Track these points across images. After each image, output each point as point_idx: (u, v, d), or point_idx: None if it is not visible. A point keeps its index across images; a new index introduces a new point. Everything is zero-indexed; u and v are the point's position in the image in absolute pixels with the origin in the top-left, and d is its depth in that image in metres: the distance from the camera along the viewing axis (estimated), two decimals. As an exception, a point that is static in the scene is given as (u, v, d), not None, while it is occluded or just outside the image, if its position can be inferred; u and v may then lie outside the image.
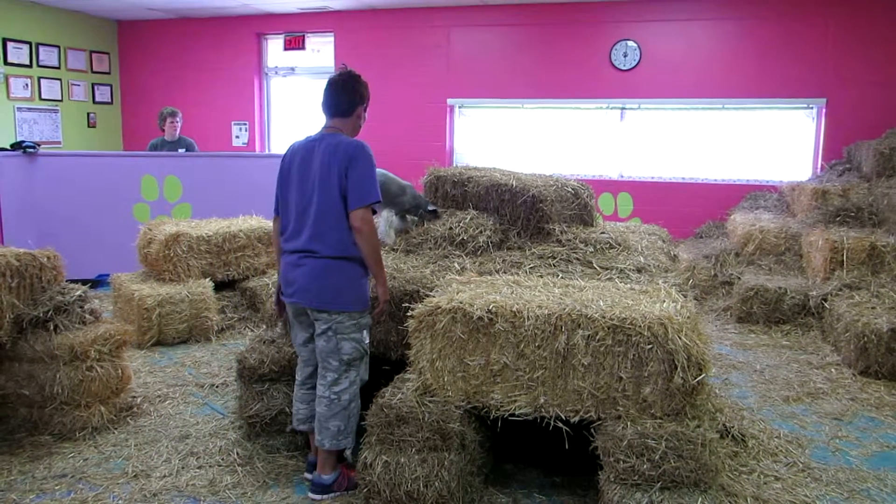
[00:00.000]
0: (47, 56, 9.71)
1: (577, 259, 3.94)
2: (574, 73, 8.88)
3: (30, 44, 9.46)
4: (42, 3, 9.50)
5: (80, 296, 4.11)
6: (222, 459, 3.62)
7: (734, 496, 3.08)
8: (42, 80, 9.66)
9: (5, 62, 9.14)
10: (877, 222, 6.44)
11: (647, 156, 8.94)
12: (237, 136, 10.46)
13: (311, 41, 10.19)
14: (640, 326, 2.83)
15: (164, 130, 7.75)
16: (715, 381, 4.68)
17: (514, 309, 2.97)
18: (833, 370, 5.02)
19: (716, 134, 8.68)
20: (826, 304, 5.73)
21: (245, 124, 10.42)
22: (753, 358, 5.33)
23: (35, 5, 9.50)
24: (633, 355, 2.87)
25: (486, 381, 3.06)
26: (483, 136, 9.60)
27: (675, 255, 4.93)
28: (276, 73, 10.49)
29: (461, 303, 3.04)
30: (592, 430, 2.99)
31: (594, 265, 3.87)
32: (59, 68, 9.90)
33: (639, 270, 3.86)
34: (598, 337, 2.88)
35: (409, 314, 3.17)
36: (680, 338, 2.80)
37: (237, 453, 3.66)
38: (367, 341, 3.34)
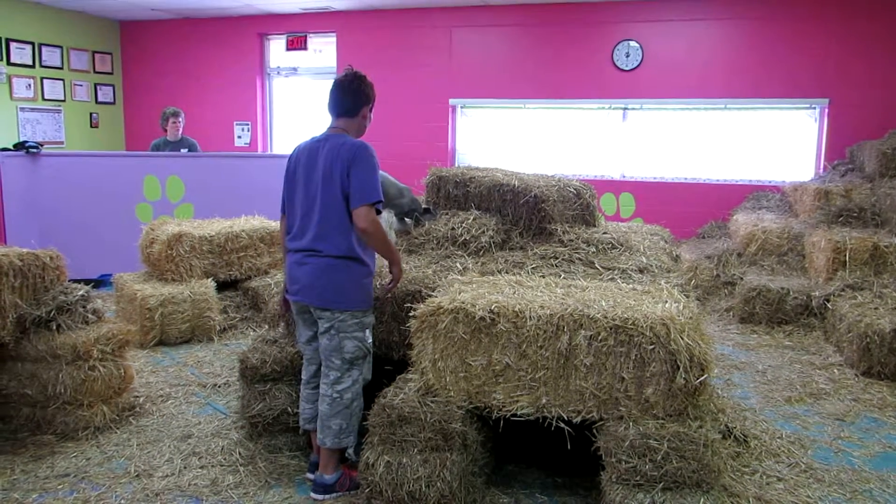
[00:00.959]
0: (50, 56, 9.73)
1: (580, 259, 3.94)
2: (576, 73, 8.88)
3: (32, 44, 9.48)
4: (45, 3, 9.52)
5: (82, 295, 4.11)
6: (224, 459, 3.62)
7: (736, 497, 3.08)
8: (45, 81, 9.68)
9: (8, 62, 9.16)
10: (879, 223, 6.43)
11: (650, 156, 8.94)
12: (239, 137, 10.47)
13: (314, 41, 10.20)
14: (642, 327, 2.83)
15: (166, 130, 7.76)
16: (717, 381, 4.68)
17: (516, 309, 2.97)
18: (836, 371, 5.01)
19: (718, 134, 8.68)
20: (829, 305, 5.72)
21: (247, 124, 10.43)
22: (756, 358, 5.33)
23: (38, 6, 9.52)
24: (636, 356, 2.86)
25: (488, 382, 3.06)
26: (485, 136, 9.60)
27: (677, 256, 4.93)
28: (279, 73, 10.51)
29: (463, 303, 3.04)
30: (594, 431, 2.99)
31: (596, 265, 3.86)
32: (61, 68, 9.92)
33: (641, 271, 3.85)
34: (600, 337, 2.88)
35: (411, 314, 3.17)
36: (682, 338, 2.80)
37: (239, 453, 3.67)
38: (370, 340, 3.35)
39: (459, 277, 3.52)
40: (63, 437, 3.85)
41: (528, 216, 4.21)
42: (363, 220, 3.11)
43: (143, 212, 7.39)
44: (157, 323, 5.49)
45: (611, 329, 2.87)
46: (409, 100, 9.32)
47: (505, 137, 9.51)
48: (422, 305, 3.13)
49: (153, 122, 8.45)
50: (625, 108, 8.91)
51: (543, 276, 3.59)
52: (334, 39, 9.93)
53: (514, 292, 3.19)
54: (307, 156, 3.29)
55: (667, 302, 3.08)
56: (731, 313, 6.40)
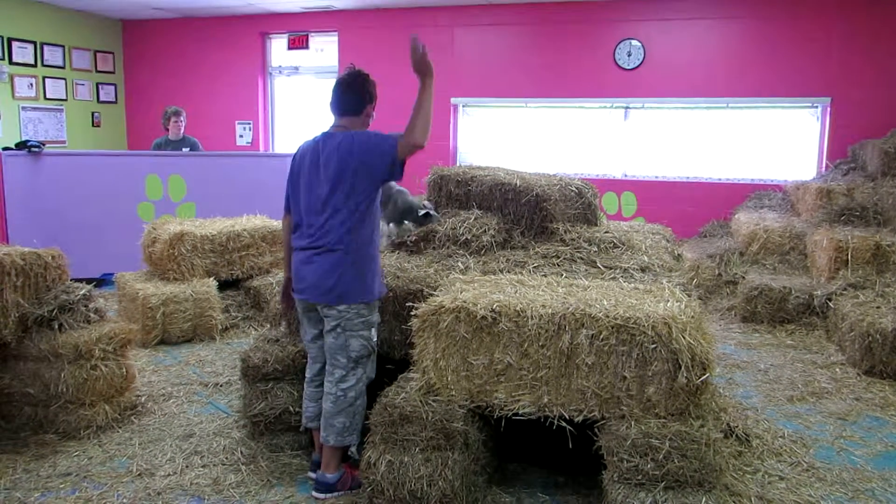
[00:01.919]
0: (52, 55, 9.74)
1: (581, 258, 3.94)
2: (578, 72, 8.87)
3: (35, 43, 9.48)
4: (47, 2, 9.53)
5: (84, 295, 4.12)
6: (226, 458, 3.62)
7: (738, 496, 3.08)
8: (47, 80, 9.69)
9: (10, 61, 9.17)
10: (882, 221, 6.42)
11: (651, 155, 8.93)
12: (241, 136, 10.47)
13: (315, 40, 10.20)
14: (644, 326, 2.83)
15: (168, 130, 7.76)
16: (719, 380, 4.67)
17: (517, 308, 2.97)
18: (837, 370, 5.01)
19: (720, 133, 8.66)
20: (831, 304, 5.72)
21: (249, 124, 10.44)
22: (758, 357, 5.32)
23: (40, 5, 9.53)
24: (637, 355, 2.86)
25: (490, 381, 3.06)
26: (487, 135, 9.60)
27: (678, 255, 4.92)
28: (280, 72, 10.51)
29: (465, 302, 3.04)
30: (596, 430, 2.99)
31: (598, 264, 3.86)
32: (63, 68, 9.93)
33: (643, 270, 3.85)
34: (601, 336, 2.88)
35: (412, 313, 3.17)
36: (684, 337, 2.80)
37: (241, 452, 3.67)
38: (376, 339, 3.35)
39: (461, 277, 3.52)
40: (65, 436, 3.85)
41: (529, 215, 4.21)
42: (405, 142, 3.17)
43: (145, 211, 7.39)
44: (159, 322, 5.49)
45: (612, 328, 2.87)
46: (410, 99, 9.25)
47: (507, 136, 9.50)
48: (423, 305, 3.13)
49: (155, 122, 8.45)
50: (626, 107, 8.90)
51: (545, 276, 3.59)
52: (336, 38, 9.93)
53: (516, 291, 3.19)
54: (312, 153, 3.29)
55: (668, 301, 3.08)
56: (733, 312, 6.40)
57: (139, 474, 3.47)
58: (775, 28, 8.16)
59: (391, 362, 3.72)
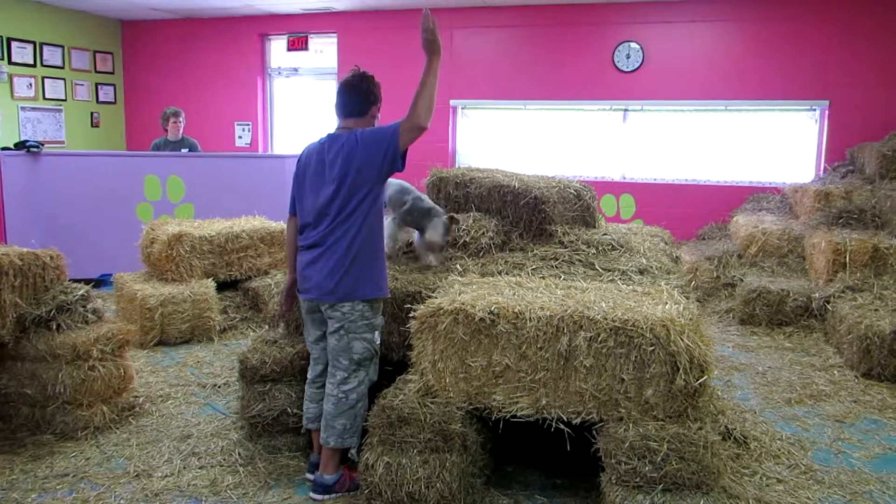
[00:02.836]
0: (51, 56, 9.74)
1: (580, 260, 3.94)
2: (577, 74, 8.88)
3: (34, 43, 9.48)
4: (46, 2, 9.53)
5: (82, 295, 4.12)
6: (224, 459, 3.62)
7: (736, 498, 3.08)
8: (46, 80, 9.68)
9: (9, 61, 9.16)
10: (880, 224, 6.43)
11: (650, 157, 8.94)
12: (240, 137, 10.47)
13: (315, 42, 10.21)
14: (642, 328, 2.83)
15: (167, 130, 7.76)
16: (717, 383, 4.68)
17: (516, 310, 2.97)
18: (836, 372, 5.01)
19: (718, 135, 8.68)
20: (829, 307, 5.72)
21: (248, 125, 10.44)
22: (756, 360, 5.33)
23: (39, 5, 9.53)
24: (636, 357, 2.86)
25: (488, 383, 3.06)
26: (485, 137, 9.60)
27: (677, 257, 4.92)
28: (280, 73, 10.51)
29: (463, 304, 3.04)
30: (594, 432, 2.99)
31: (596, 267, 3.86)
32: (62, 68, 9.92)
33: (641, 272, 3.85)
34: (600, 339, 2.88)
35: (411, 315, 3.17)
36: (682, 340, 2.80)
37: (239, 453, 3.67)
38: (379, 342, 3.36)
39: (459, 278, 3.52)
40: (62, 436, 3.85)
41: (528, 217, 4.21)
42: (408, 124, 3.13)
43: (144, 211, 7.39)
44: (157, 323, 5.49)
45: (611, 330, 2.87)
46: (409, 100, 9.30)
47: (505, 138, 9.51)
48: (422, 306, 3.13)
49: (154, 122, 8.45)
50: (625, 110, 8.91)
51: (543, 278, 3.59)
52: (335, 40, 9.94)
53: (514, 293, 3.19)
54: (318, 154, 3.29)
55: (667, 303, 3.08)
56: (732, 315, 6.40)
57: (137, 475, 3.46)
58: (774, 31, 8.17)
59: (389, 364, 3.72)
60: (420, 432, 3.02)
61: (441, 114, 9.43)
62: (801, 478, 3.47)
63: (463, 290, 3.27)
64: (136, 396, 4.34)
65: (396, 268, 3.91)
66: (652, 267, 3.95)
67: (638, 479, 2.81)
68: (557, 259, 3.95)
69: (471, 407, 3.08)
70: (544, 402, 2.99)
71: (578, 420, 2.97)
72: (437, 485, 2.97)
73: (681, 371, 2.79)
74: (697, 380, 2.81)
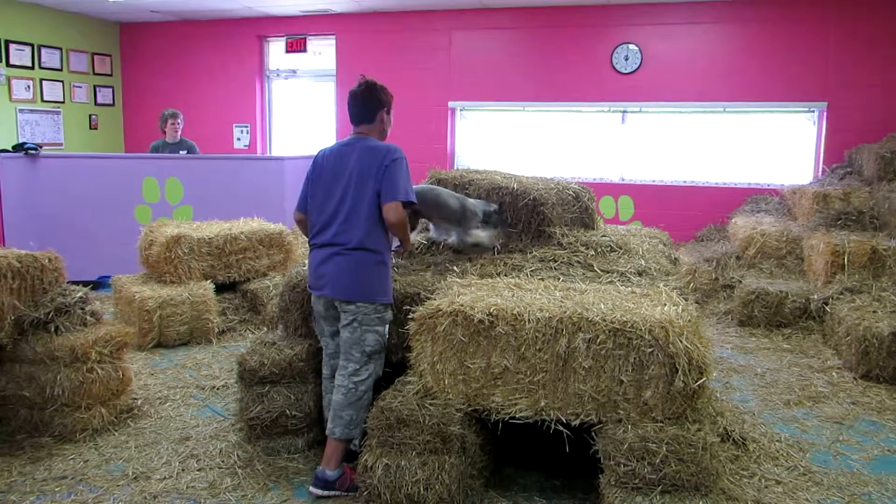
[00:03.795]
0: (49, 58, 9.73)
1: (578, 262, 3.94)
2: (575, 76, 8.89)
3: (32, 46, 9.48)
4: (44, 4, 9.52)
5: (81, 297, 4.11)
6: (223, 462, 3.61)
7: (735, 500, 3.08)
8: (44, 82, 9.68)
9: (7, 64, 9.16)
10: (878, 226, 6.43)
11: (648, 159, 8.95)
12: (238, 139, 10.47)
13: (313, 44, 10.21)
14: (640, 330, 2.83)
15: (165, 132, 7.76)
16: (716, 384, 4.68)
17: (514, 312, 2.97)
18: (834, 374, 5.02)
19: (717, 137, 8.69)
20: (827, 308, 5.72)
21: (246, 126, 10.43)
22: (754, 361, 5.33)
23: (37, 7, 9.52)
24: (634, 359, 2.87)
25: (487, 384, 3.06)
26: (484, 138, 9.61)
27: (675, 259, 4.93)
28: (278, 75, 10.51)
29: (462, 305, 3.04)
30: (593, 434, 2.99)
31: (595, 268, 3.86)
32: (61, 70, 9.92)
33: (640, 274, 3.85)
34: (598, 340, 2.88)
35: (409, 317, 3.17)
36: (681, 341, 2.80)
37: (237, 455, 3.66)
38: (387, 336, 3.46)
39: (458, 280, 3.52)
40: (61, 439, 3.84)
41: (527, 219, 4.21)
42: (393, 214, 3.30)
43: (142, 213, 7.38)
44: (156, 325, 5.48)
45: (609, 332, 2.87)
46: (408, 102, 9.29)
47: (504, 140, 9.51)
48: (420, 308, 3.13)
49: (152, 124, 8.45)
50: (624, 111, 8.92)
51: (542, 279, 3.59)
52: (334, 42, 9.94)
53: (513, 295, 3.19)
54: (335, 157, 3.46)
55: (665, 305, 3.08)
56: (730, 316, 6.40)
57: (135, 478, 3.46)
58: (772, 33, 8.18)
59: (388, 366, 3.71)
60: (419, 434, 3.02)
61: (439, 115, 9.44)
62: (800, 479, 3.47)
63: (462, 291, 3.27)
64: (135, 399, 4.34)
65: (395, 269, 3.91)
66: (651, 268, 3.95)
67: (637, 481, 2.81)
68: (556, 261, 3.94)
69: (470, 409, 3.08)
70: (543, 403, 2.99)
71: (577, 422, 2.97)
72: (436, 486, 2.97)
73: (679, 373, 2.79)
74: (696, 381, 2.81)
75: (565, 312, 2.94)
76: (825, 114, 8.15)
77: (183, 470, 3.53)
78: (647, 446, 2.79)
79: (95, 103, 10.53)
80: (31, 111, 9.53)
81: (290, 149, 10.47)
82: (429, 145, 9.34)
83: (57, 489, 3.35)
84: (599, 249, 4.09)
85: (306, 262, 4.14)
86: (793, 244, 6.88)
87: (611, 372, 2.90)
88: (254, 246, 6.17)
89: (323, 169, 3.48)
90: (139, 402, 4.35)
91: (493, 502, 3.25)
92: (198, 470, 3.53)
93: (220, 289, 5.98)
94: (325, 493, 3.27)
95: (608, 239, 4.21)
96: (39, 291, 3.99)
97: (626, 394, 2.90)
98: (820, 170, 8.18)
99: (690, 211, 8.48)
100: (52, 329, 3.90)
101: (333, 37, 9.92)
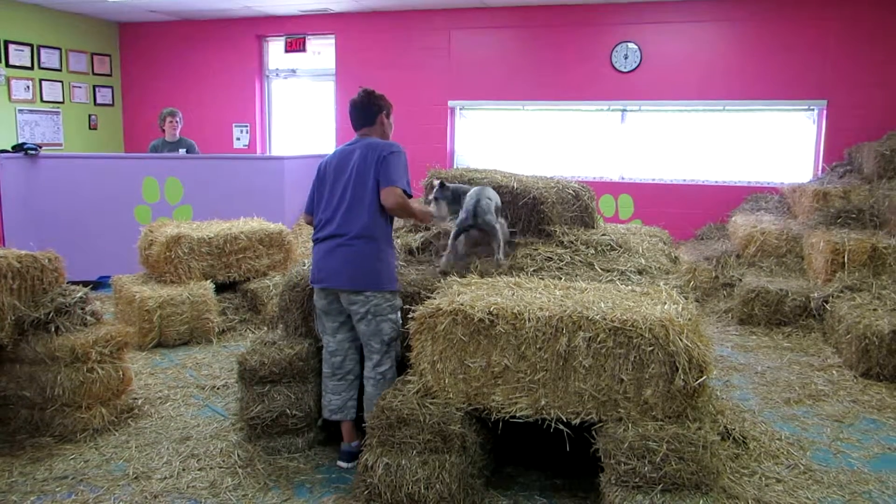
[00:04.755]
0: (49, 58, 9.73)
1: (579, 261, 3.94)
2: (575, 74, 8.89)
3: (31, 46, 9.47)
4: (43, 5, 9.52)
5: (81, 297, 4.11)
6: (223, 461, 3.61)
7: (735, 498, 3.08)
8: (43, 82, 9.68)
9: (7, 64, 9.15)
10: (878, 224, 6.43)
11: (648, 157, 8.94)
12: (238, 138, 10.46)
13: (312, 43, 10.20)
14: (641, 328, 2.83)
15: (164, 131, 7.76)
16: (716, 383, 4.68)
17: (515, 311, 2.97)
18: (834, 372, 5.02)
19: (717, 136, 8.69)
20: (827, 306, 5.72)
21: (246, 126, 10.43)
22: (755, 360, 5.33)
23: (36, 7, 9.52)
24: (634, 357, 2.87)
25: (487, 383, 3.06)
26: (484, 137, 9.61)
27: (675, 257, 4.92)
28: (277, 75, 10.50)
29: (462, 305, 3.04)
30: (593, 433, 2.99)
31: (595, 267, 3.86)
32: (60, 70, 9.92)
33: (640, 272, 3.85)
34: (599, 339, 2.88)
35: (410, 316, 3.17)
36: (681, 340, 2.80)
37: (238, 455, 3.66)
38: (401, 321, 3.55)
39: (458, 279, 3.52)
40: (61, 439, 3.84)
41: (527, 218, 4.21)
42: (391, 199, 3.42)
43: (142, 213, 7.38)
44: (156, 325, 5.48)
45: (610, 331, 2.87)
46: (407, 101, 9.30)
47: (504, 139, 9.51)
48: (421, 307, 3.13)
49: (152, 124, 8.45)
50: (623, 110, 8.92)
51: (542, 278, 3.59)
52: (333, 41, 9.93)
53: (513, 294, 3.19)
54: (339, 159, 3.60)
55: (666, 303, 3.08)
56: (730, 315, 6.40)
57: (136, 477, 3.46)
58: (772, 31, 8.18)
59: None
60: (419, 433, 3.02)
61: (439, 114, 9.43)
62: (801, 478, 3.47)
63: (462, 290, 3.27)
64: (135, 398, 4.34)
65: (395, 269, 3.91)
66: (651, 267, 3.95)
67: (637, 480, 2.81)
68: (556, 259, 3.94)
69: (470, 408, 3.08)
70: (543, 402, 2.99)
71: (577, 420, 2.97)
72: (437, 486, 2.97)
73: (680, 371, 2.79)
74: (696, 380, 2.81)
75: (565, 311, 2.94)
76: (825, 112, 8.15)
77: (183, 470, 3.53)
78: (647, 445, 2.79)
79: (95, 103, 10.52)
80: (31, 111, 9.52)
81: (289, 148, 10.47)
82: (429, 145, 9.34)
83: (58, 489, 3.35)
84: (599, 248, 4.09)
85: (306, 261, 4.16)
86: (793, 242, 6.88)
87: (611, 371, 2.90)
88: (254, 245, 6.17)
89: (328, 170, 3.63)
90: (139, 401, 4.35)
91: (494, 501, 3.25)
92: (198, 469, 3.54)
93: (220, 288, 5.98)
94: (353, 463, 3.45)
95: (608, 238, 4.21)
96: (39, 291, 3.99)
97: (626, 392, 2.90)
98: (820, 168, 8.18)
99: (690, 209, 8.48)
100: (53, 329, 3.90)
101: (333, 36, 9.91)
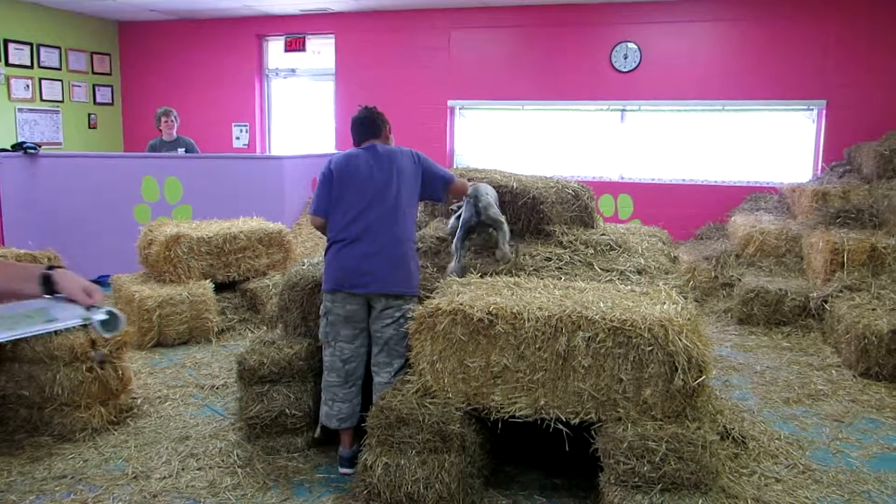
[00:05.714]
0: (48, 57, 9.72)
1: (578, 261, 3.94)
2: (574, 74, 8.89)
3: (31, 45, 9.46)
4: (43, 4, 9.51)
5: (80, 297, 4.10)
6: (222, 461, 3.61)
7: (734, 498, 3.08)
8: (43, 81, 9.67)
9: (6, 63, 9.15)
10: (877, 224, 6.43)
11: (648, 157, 8.94)
12: (237, 138, 10.46)
13: (312, 43, 10.19)
14: (640, 328, 2.83)
15: (161, 131, 7.75)
16: (715, 382, 4.68)
17: (514, 311, 2.97)
18: (833, 372, 5.02)
19: (716, 135, 8.68)
20: (826, 306, 5.72)
21: (246, 126, 10.43)
22: (754, 360, 5.33)
23: (36, 6, 9.51)
24: (634, 357, 2.87)
25: (487, 383, 3.06)
26: (483, 137, 9.60)
27: (675, 257, 4.92)
28: (277, 74, 10.50)
29: (462, 304, 3.03)
30: (593, 432, 2.99)
31: (595, 267, 3.86)
32: (60, 69, 9.91)
33: (639, 272, 3.85)
34: (598, 339, 2.88)
35: (409, 316, 3.17)
36: (680, 339, 2.80)
37: (237, 455, 3.66)
38: None
39: (458, 279, 3.52)
40: (60, 438, 3.84)
41: (526, 217, 4.21)
42: (460, 185, 3.72)
43: (142, 213, 7.38)
44: (155, 324, 5.48)
45: (609, 330, 2.87)
46: (407, 101, 9.31)
47: (503, 139, 9.51)
48: (420, 307, 3.13)
49: (151, 123, 8.42)
50: (623, 110, 8.92)
51: (542, 278, 3.58)
52: (333, 41, 9.92)
53: (513, 294, 3.19)
54: (362, 161, 3.55)
55: (665, 303, 3.08)
56: (730, 314, 6.40)
57: (135, 477, 3.46)
58: (771, 31, 8.18)
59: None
60: (419, 433, 3.02)
61: (439, 114, 9.43)
62: (800, 477, 3.47)
63: (461, 290, 3.27)
64: (134, 398, 4.34)
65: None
66: (650, 267, 3.95)
67: (636, 479, 2.81)
68: (555, 259, 3.94)
69: (469, 407, 3.08)
70: (543, 402, 2.99)
71: (577, 420, 2.97)
72: (436, 485, 2.97)
73: (679, 371, 2.80)
74: (696, 380, 2.81)
75: (565, 311, 2.94)
76: (824, 112, 8.15)
77: (182, 469, 3.53)
78: (646, 444, 2.79)
79: (94, 102, 10.51)
80: (30, 110, 9.51)
81: (289, 148, 10.47)
82: (428, 144, 9.31)
83: (56, 488, 3.35)
84: (599, 248, 4.09)
85: (306, 260, 4.15)
86: (792, 242, 6.88)
87: (610, 370, 2.90)
88: (253, 245, 6.16)
89: (348, 172, 3.54)
90: (139, 401, 4.35)
91: (493, 501, 3.25)
92: (197, 469, 3.53)
93: (220, 288, 5.97)
94: (354, 469, 3.37)
95: (607, 237, 4.20)
96: (39, 291, 3.98)
97: (625, 392, 2.90)
98: (819, 168, 8.18)
99: (690, 209, 8.48)
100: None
101: (332, 36, 9.91)
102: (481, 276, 3.58)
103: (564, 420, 2.99)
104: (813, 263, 6.33)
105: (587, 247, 4.08)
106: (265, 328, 5.13)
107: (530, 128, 9.37)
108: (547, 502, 3.26)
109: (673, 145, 8.85)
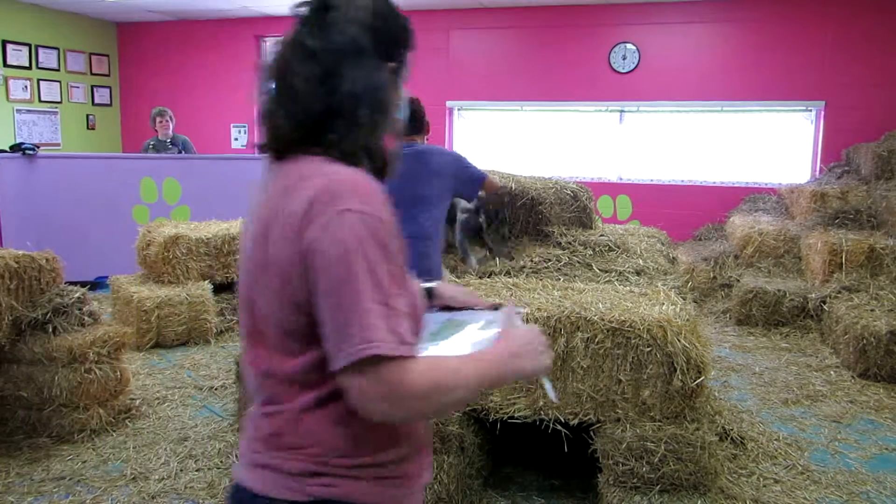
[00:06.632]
0: (47, 58, 9.71)
1: (577, 261, 3.94)
2: (573, 75, 8.89)
3: (29, 46, 9.46)
4: (41, 5, 9.50)
5: (78, 298, 4.10)
6: (221, 462, 3.61)
7: (733, 499, 3.08)
8: (41, 82, 9.66)
9: (5, 64, 9.14)
10: (875, 224, 6.44)
11: (646, 158, 8.94)
12: (236, 139, 10.45)
13: (311, 43, 10.17)
14: (639, 329, 2.83)
15: (156, 131, 7.75)
16: (714, 383, 4.68)
17: (513, 311, 2.97)
18: (832, 372, 5.02)
19: (715, 136, 8.69)
20: (825, 307, 5.73)
21: (244, 126, 10.42)
22: (752, 360, 5.33)
23: (34, 7, 9.50)
24: (633, 358, 2.87)
25: (486, 384, 3.05)
26: (482, 138, 9.60)
27: (673, 258, 4.93)
28: (276, 75, 10.48)
29: (460, 305, 3.03)
30: (591, 433, 2.99)
31: (593, 268, 3.87)
32: (58, 70, 9.90)
33: (638, 273, 3.86)
34: (597, 339, 2.88)
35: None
36: (679, 340, 2.80)
37: (236, 456, 3.66)
38: None
39: (456, 280, 3.52)
40: (59, 439, 3.83)
41: (524, 218, 4.22)
42: (496, 183, 3.82)
43: (140, 214, 7.37)
44: (154, 325, 5.47)
45: (608, 331, 2.87)
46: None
47: (502, 140, 9.51)
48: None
49: (149, 124, 8.43)
50: (621, 111, 8.92)
51: (540, 279, 3.59)
52: (331, 41, 9.91)
53: (511, 294, 3.19)
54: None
55: (664, 304, 3.08)
56: (728, 315, 6.41)
57: (133, 478, 3.45)
58: (770, 32, 8.19)
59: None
60: (417, 434, 3.01)
61: (437, 115, 9.42)
62: (798, 478, 3.47)
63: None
64: (133, 399, 4.33)
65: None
66: (649, 268, 3.95)
67: (635, 480, 2.81)
68: (554, 260, 3.94)
69: (468, 408, 3.08)
70: (541, 403, 2.99)
71: (576, 421, 2.97)
72: (435, 486, 2.97)
73: (678, 372, 2.80)
74: (694, 380, 2.81)
75: (563, 312, 2.94)
76: (823, 112, 8.16)
77: (181, 470, 3.53)
78: (645, 445, 2.79)
79: (93, 103, 10.51)
80: (29, 111, 9.51)
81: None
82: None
83: (55, 490, 3.34)
84: (597, 249, 4.10)
85: None
86: (790, 243, 6.88)
87: (609, 371, 2.90)
88: (252, 246, 6.15)
89: None
90: (137, 402, 4.34)
91: (492, 502, 3.25)
92: (196, 470, 3.53)
93: (218, 289, 5.97)
94: None
95: (606, 238, 4.21)
96: (37, 292, 3.98)
97: (624, 393, 2.90)
98: (818, 169, 8.19)
99: (688, 210, 8.48)
100: (50, 329, 3.89)
101: (331, 36, 9.89)
102: (480, 277, 3.58)
103: (563, 421, 2.99)
104: (811, 264, 6.34)
105: (586, 248, 4.08)
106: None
107: (529, 129, 9.37)
108: (546, 503, 3.26)
109: (671, 146, 8.85)
